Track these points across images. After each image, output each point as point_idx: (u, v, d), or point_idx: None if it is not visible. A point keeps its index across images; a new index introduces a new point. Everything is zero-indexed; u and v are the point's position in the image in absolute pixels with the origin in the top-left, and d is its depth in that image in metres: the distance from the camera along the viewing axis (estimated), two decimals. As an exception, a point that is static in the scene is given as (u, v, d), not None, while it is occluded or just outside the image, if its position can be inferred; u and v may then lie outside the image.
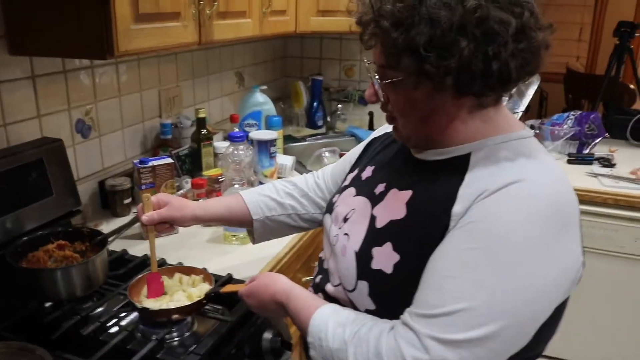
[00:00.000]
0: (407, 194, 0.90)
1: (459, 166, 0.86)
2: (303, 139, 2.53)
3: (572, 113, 2.58)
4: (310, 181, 1.26)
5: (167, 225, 1.18)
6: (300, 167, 2.23)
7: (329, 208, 1.09)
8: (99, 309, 1.21)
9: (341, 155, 2.50)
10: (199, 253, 1.49)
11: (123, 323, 1.18)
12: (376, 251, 0.89)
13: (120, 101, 1.80)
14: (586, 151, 2.52)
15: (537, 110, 4.57)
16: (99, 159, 1.74)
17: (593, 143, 2.52)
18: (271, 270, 1.44)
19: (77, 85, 1.62)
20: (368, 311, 0.90)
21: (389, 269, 0.86)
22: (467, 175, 0.84)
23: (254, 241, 1.27)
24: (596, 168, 2.38)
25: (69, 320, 1.14)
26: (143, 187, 1.54)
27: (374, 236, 0.91)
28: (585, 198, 2.14)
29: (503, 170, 0.82)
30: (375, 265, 0.89)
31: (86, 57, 1.50)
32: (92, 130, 1.70)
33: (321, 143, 2.46)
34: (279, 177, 2.05)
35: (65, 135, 1.57)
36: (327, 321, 0.88)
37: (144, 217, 1.13)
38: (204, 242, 1.57)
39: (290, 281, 1.02)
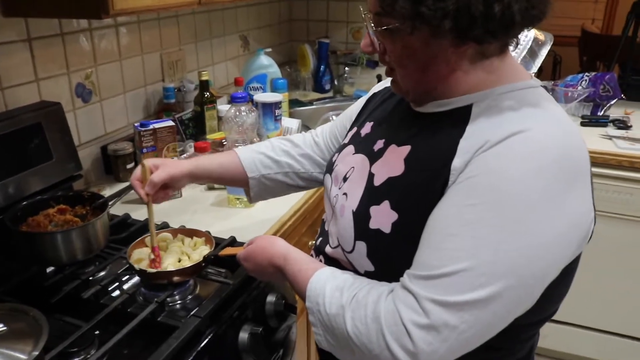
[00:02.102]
0: (406, 149, 0.85)
1: (460, 118, 0.80)
2: (310, 102, 2.49)
3: (587, 74, 2.50)
4: (308, 139, 1.22)
5: (164, 192, 1.15)
6: (307, 130, 2.19)
7: (329, 168, 1.05)
8: (101, 273, 1.20)
9: (348, 119, 2.46)
10: (202, 217, 1.47)
11: (125, 287, 1.17)
12: (374, 210, 0.85)
13: (121, 65, 1.77)
14: (601, 113, 2.45)
15: (551, 75, 4.46)
16: (101, 123, 1.72)
17: (608, 104, 2.45)
18: (275, 234, 1.42)
19: (76, 48, 1.58)
20: (367, 273, 0.86)
21: (387, 228, 0.82)
22: (469, 126, 0.78)
23: (251, 200, 1.23)
24: (611, 130, 2.31)
25: (70, 284, 1.13)
26: (144, 150, 1.51)
27: (372, 194, 0.87)
28: (600, 160, 2.08)
29: (506, 121, 0.76)
30: (373, 224, 0.85)
31: (81, 16, 1.46)
32: (93, 94, 1.67)
33: (328, 107, 2.42)
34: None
35: (65, 100, 1.54)
36: (325, 285, 0.84)
37: (146, 189, 1.10)
38: (208, 205, 1.55)
39: (287, 244, 0.98)
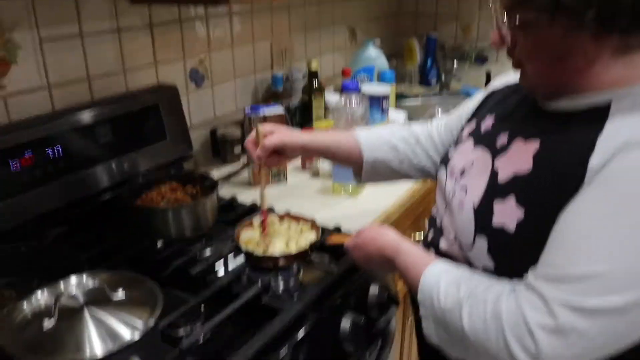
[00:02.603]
0: (534, 144, 0.80)
1: (598, 114, 0.74)
2: (416, 96, 2.44)
3: None
4: (426, 131, 1.18)
5: (277, 158, 1.13)
6: (411, 124, 2.14)
7: (444, 160, 1.02)
8: (207, 251, 1.22)
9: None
10: (307, 203, 1.46)
11: (230, 266, 1.18)
12: (497, 206, 0.81)
13: (233, 52, 1.80)
14: None
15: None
16: (211, 107, 1.76)
17: None
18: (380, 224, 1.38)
19: (191, 35, 1.63)
20: (486, 269, 0.82)
21: (511, 226, 0.78)
22: (608, 124, 0.72)
23: (360, 180, 1.19)
24: None
25: (178, 259, 1.16)
26: (253, 135, 1.53)
27: (496, 190, 0.82)
28: None
29: None
30: (496, 221, 0.80)
31: (201, 2, 1.50)
32: (205, 79, 1.72)
33: (434, 101, 2.36)
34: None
35: (179, 83, 1.60)
36: (440, 279, 0.82)
37: (258, 152, 1.09)
38: (313, 192, 1.55)
39: (399, 235, 0.96)
